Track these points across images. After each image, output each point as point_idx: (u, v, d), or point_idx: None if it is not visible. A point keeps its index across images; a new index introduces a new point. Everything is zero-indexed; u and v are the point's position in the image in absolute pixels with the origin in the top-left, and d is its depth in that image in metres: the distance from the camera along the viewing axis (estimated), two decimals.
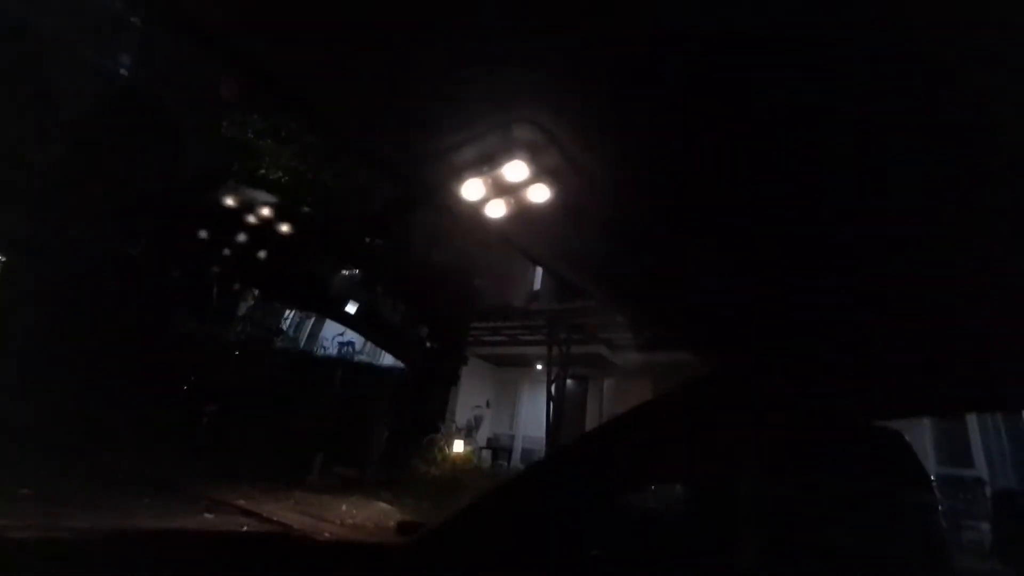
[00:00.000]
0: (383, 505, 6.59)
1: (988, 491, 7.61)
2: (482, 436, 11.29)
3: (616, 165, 0.56)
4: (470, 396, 11.04)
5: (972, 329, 0.81)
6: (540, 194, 0.52)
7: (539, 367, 10.50)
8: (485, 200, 0.54)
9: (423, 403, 8.70)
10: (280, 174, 8.11)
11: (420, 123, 0.47)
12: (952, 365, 0.89)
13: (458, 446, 8.54)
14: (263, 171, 8.18)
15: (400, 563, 1.22)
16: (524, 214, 0.54)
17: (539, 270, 9.96)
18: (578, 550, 1.36)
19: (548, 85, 0.45)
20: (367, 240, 8.34)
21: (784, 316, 0.87)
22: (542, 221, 0.57)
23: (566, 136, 0.49)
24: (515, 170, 0.50)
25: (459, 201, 0.54)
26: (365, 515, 6.00)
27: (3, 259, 7.67)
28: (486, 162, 0.49)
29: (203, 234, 8.01)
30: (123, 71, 8.63)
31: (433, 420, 8.67)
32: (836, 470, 0.92)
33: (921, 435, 8.11)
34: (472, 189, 0.53)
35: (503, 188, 0.52)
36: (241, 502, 5.55)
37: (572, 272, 0.75)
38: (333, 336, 12.13)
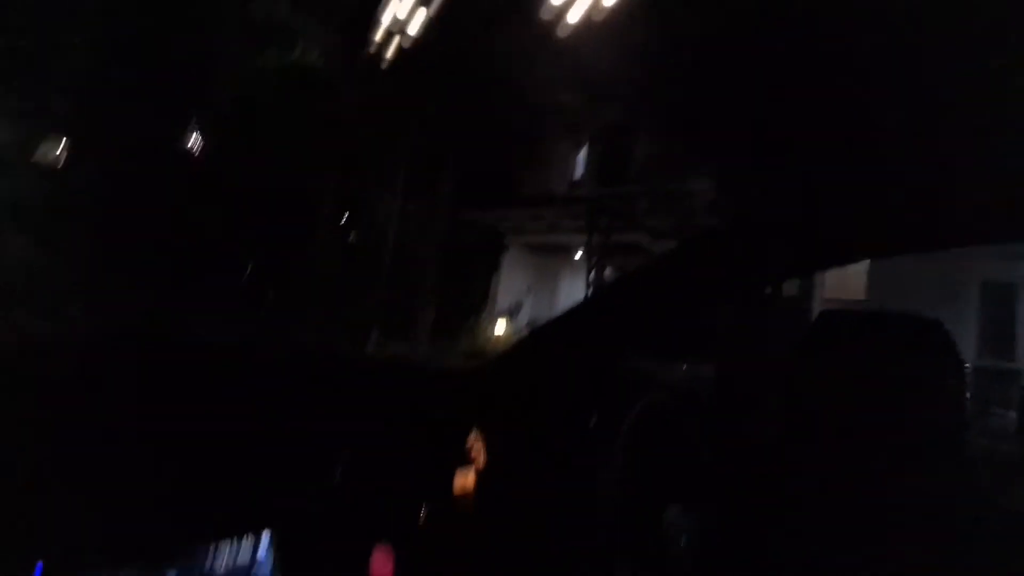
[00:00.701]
0: None
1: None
2: (523, 321, 11.84)
3: None
4: (511, 283, 11.41)
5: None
6: None
7: (579, 256, 10.64)
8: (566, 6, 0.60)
9: (466, 287, 9.11)
10: (316, 54, 7.95)
11: None
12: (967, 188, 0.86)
13: (500, 328, 9.06)
14: (297, 54, 8.02)
15: (471, 382, 1.45)
16: (597, 20, 0.60)
17: (581, 155, 9.72)
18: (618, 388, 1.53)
19: None
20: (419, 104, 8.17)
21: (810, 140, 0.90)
22: (611, 30, 0.63)
23: None
24: None
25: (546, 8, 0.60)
26: None
27: (66, 142, 8.03)
28: None
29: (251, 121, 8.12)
30: None
31: (476, 304, 9.13)
32: (869, 353, 0.94)
33: (967, 327, 8.04)
34: None
35: None
36: None
37: (628, 86, 0.80)
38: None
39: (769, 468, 1.12)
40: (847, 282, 7.81)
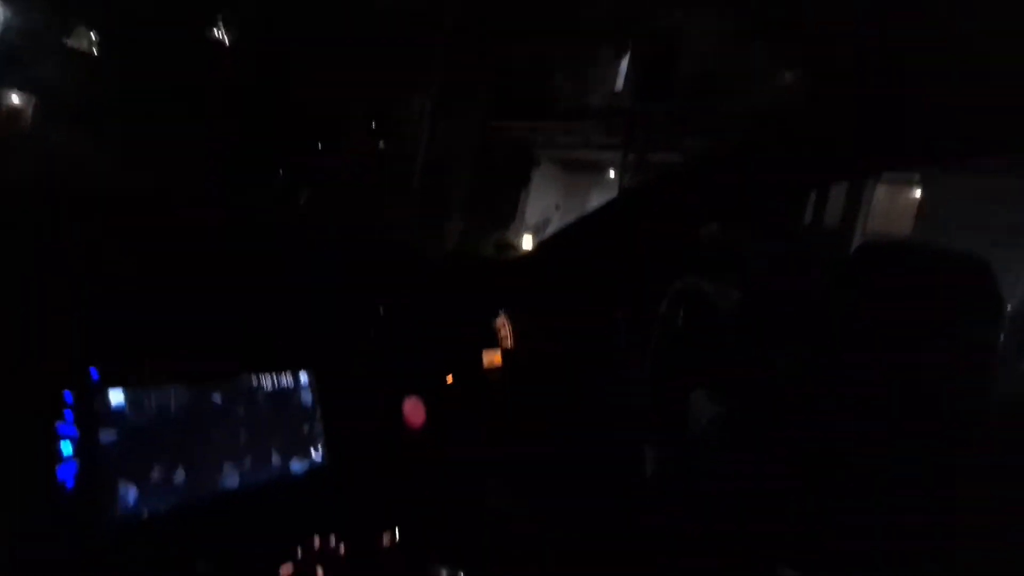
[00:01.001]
0: None
1: None
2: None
3: None
4: (540, 198, 11.23)
5: None
6: None
7: (611, 175, 10.31)
8: None
9: (495, 200, 9.02)
10: None
11: None
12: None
13: (527, 243, 9.03)
14: None
15: (505, 271, 1.46)
16: None
17: (623, 65, 9.15)
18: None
19: None
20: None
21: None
22: None
23: None
24: None
25: None
26: None
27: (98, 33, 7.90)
28: None
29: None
30: None
31: (504, 217, 9.07)
32: (904, 287, 0.92)
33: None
34: None
35: None
36: None
37: None
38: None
39: (792, 390, 1.11)
40: (894, 216, 7.47)
